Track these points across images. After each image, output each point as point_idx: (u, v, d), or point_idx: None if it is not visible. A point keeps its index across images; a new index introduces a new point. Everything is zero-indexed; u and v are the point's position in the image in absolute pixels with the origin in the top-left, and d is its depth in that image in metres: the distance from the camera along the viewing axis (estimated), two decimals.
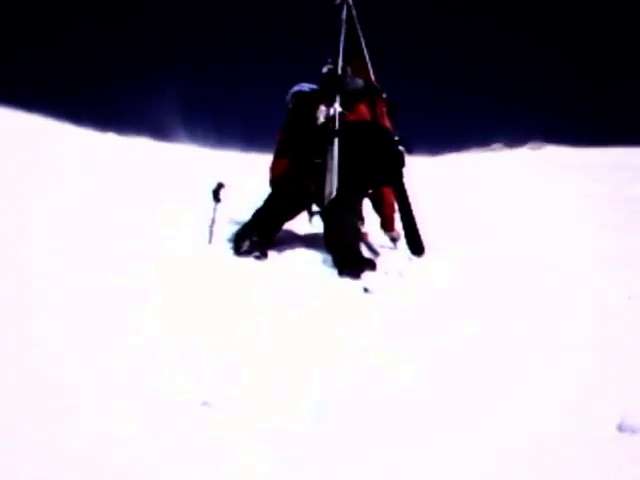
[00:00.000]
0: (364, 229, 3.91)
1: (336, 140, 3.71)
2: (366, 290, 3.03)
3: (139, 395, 1.84)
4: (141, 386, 1.89)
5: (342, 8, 4.11)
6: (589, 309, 2.85)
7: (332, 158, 3.66)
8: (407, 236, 3.85)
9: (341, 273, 3.32)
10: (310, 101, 3.90)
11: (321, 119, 3.79)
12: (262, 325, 2.46)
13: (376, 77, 4.14)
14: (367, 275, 3.24)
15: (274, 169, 4.03)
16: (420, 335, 2.47)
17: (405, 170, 3.91)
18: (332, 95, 3.87)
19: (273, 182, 4.03)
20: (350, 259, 3.39)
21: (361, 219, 3.90)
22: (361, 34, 4.16)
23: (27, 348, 2.01)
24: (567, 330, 2.56)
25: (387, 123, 4.00)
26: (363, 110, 3.91)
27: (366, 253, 3.79)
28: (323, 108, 3.81)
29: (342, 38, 4.05)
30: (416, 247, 3.83)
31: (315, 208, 3.77)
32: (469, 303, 2.91)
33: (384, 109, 3.99)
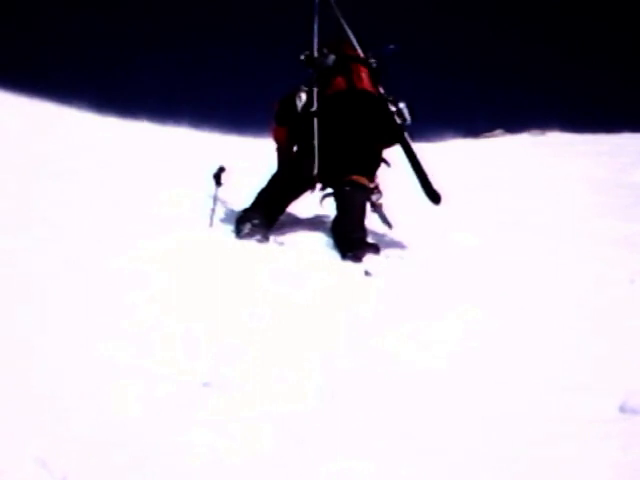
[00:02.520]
0: (380, 200, 3.86)
1: (315, 120, 3.74)
2: (367, 273, 3.05)
3: (140, 376, 1.86)
4: (142, 368, 1.92)
5: None
6: (591, 293, 2.86)
7: (313, 139, 3.69)
8: (423, 187, 3.81)
9: (344, 257, 3.34)
10: (293, 93, 3.91)
11: (300, 105, 3.80)
12: (263, 308, 2.48)
13: (366, 55, 4.12)
14: (369, 258, 3.25)
15: (276, 136, 4.10)
16: (418, 318, 2.48)
17: (408, 125, 3.92)
18: (310, 78, 3.90)
19: (280, 156, 4.07)
20: (352, 243, 3.41)
21: (376, 190, 3.86)
22: (341, 16, 4.17)
23: (28, 331, 2.03)
24: (570, 314, 2.57)
25: (368, 85, 3.97)
26: (339, 82, 3.91)
27: (375, 232, 3.79)
28: (302, 94, 3.83)
29: (315, 22, 4.07)
30: (433, 196, 3.79)
31: (327, 190, 3.76)
32: (469, 287, 2.91)
33: (363, 74, 3.96)
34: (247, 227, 3.50)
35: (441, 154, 5.61)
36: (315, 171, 3.63)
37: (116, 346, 2.03)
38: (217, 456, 1.53)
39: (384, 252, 3.46)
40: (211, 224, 3.71)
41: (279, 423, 1.69)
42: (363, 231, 3.58)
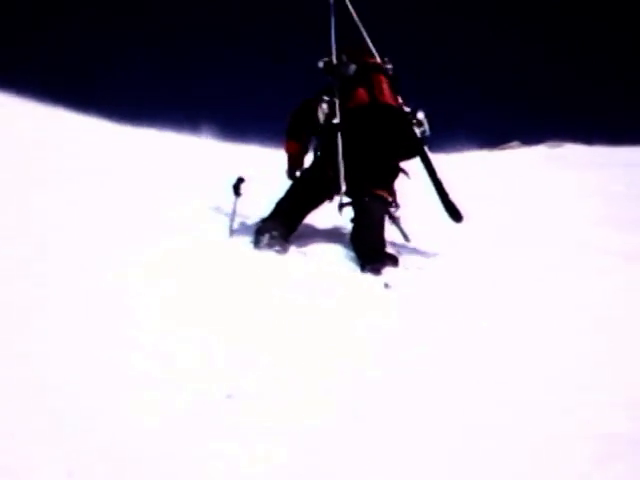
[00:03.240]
0: (397, 213, 3.88)
1: (339, 134, 3.73)
2: (386, 285, 3.03)
3: (161, 388, 1.85)
4: (163, 379, 1.91)
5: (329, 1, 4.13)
6: (606, 307, 2.85)
7: (338, 154, 3.68)
8: (444, 205, 3.81)
9: (363, 269, 3.33)
10: (312, 102, 3.92)
11: (322, 117, 3.81)
12: (282, 320, 2.47)
13: (382, 57, 4.12)
14: (388, 271, 3.25)
15: (288, 150, 4.12)
16: (437, 330, 2.48)
17: (427, 137, 3.93)
18: (331, 88, 3.89)
19: (290, 168, 4.11)
20: (372, 255, 3.41)
21: (394, 203, 3.87)
22: (359, 21, 4.17)
23: (44, 341, 2.02)
24: (588, 329, 2.57)
25: (389, 97, 3.96)
26: (361, 94, 3.90)
27: (394, 244, 3.79)
28: (324, 105, 3.83)
29: (332, 28, 4.06)
30: (454, 214, 3.79)
31: (345, 199, 3.74)
32: (487, 299, 2.91)
33: (384, 85, 3.96)
34: (266, 238, 3.48)
35: (457, 166, 5.62)
36: (344, 188, 3.63)
37: (135, 356, 2.02)
38: (239, 469, 1.53)
39: (403, 264, 3.45)
40: (230, 234, 3.72)
41: (301, 437, 1.69)
42: (382, 243, 3.57)
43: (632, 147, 9.36)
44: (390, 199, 3.85)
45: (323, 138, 3.89)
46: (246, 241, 3.60)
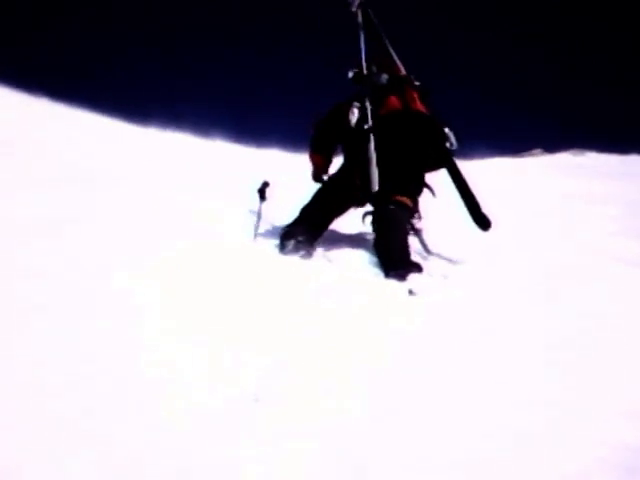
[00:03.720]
0: (419, 225, 3.90)
1: (372, 136, 3.75)
2: (411, 292, 3.04)
3: (189, 394, 1.86)
4: (190, 384, 1.91)
5: (357, 14, 4.14)
6: (615, 318, 2.82)
7: (370, 155, 3.70)
8: (471, 213, 3.79)
9: (387, 275, 3.35)
10: (343, 106, 3.94)
11: (353, 120, 3.82)
12: (307, 324, 2.48)
13: (408, 72, 4.14)
14: (412, 277, 3.27)
15: (313, 161, 4.16)
16: (462, 336, 2.49)
17: (454, 150, 3.92)
18: (362, 95, 3.91)
19: (315, 174, 4.16)
20: (396, 261, 3.42)
21: (416, 214, 3.89)
22: (384, 34, 4.20)
23: (67, 344, 2.02)
24: (597, 330, 2.58)
25: (421, 107, 3.99)
26: (394, 101, 3.93)
27: (418, 251, 3.79)
28: (355, 110, 3.84)
29: (362, 41, 4.08)
30: (482, 221, 3.77)
31: (369, 207, 3.77)
32: (511, 308, 2.91)
33: (415, 95, 3.98)
34: (291, 243, 3.52)
35: (478, 173, 5.62)
36: (376, 187, 3.64)
37: (161, 357, 2.04)
38: (267, 472, 1.56)
39: (427, 271, 3.46)
40: (255, 239, 3.74)
41: (329, 440, 1.71)
42: (406, 250, 3.58)
43: None
44: (413, 208, 3.86)
45: (352, 144, 3.90)
46: (271, 245, 3.63)
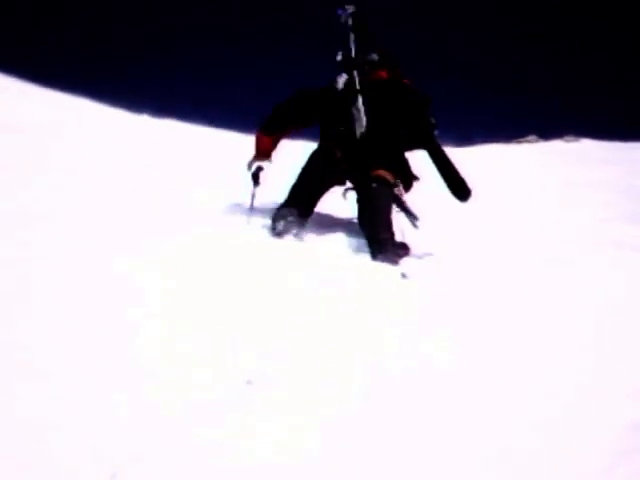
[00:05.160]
0: (404, 199, 3.81)
1: (359, 97, 3.76)
2: (404, 275, 3.06)
3: (181, 374, 1.89)
4: (181, 365, 1.94)
5: (347, 22, 4.10)
6: (614, 302, 2.88)
7: (358, 109, 3.73)
8: (447, 183, 3.74)
9: (374, 257, 3.36)
10: (310, 90, 3.98)
11: (340, 85, 3.81)
12: (301, 309, 2.49)
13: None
14: (405, 261, 3.29)
15: (259, 144, 4.00)
16: (458, 320, 2.52)
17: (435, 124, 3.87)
18: (349, 66, 3.88)
19: (254, 158, 3.97)
20: (382, 243, 3.44)
21: (398, 189, 3.81)
22: (375, 39, 4.15)
23: (67, 333, 2.02)
24: (599, 315, 2.63)
25: (410, 82, 3.97)
26: (382, 73, 3.93)
27: (403, 230, 3.74)
28: (342, 74, 3.83)
29: (351, 40, 3.97)
30: (461, 191, 3.73)
31: (349, 184, 3.78)
32: (506, 290, 2.95)
33: (405, 81, 3.97)
34: (282, 224, 3.56)
35: (471, 159, 5.61)
36: (364, 129, 3.68)
37: (156, 341, 2.06)
38: (260, 457, 1.57)
39: (415, 252, 3.48)
40: (248, 222, 3.76)
41: (322, 424, 1.73)
42: (390, 229, 3.58)
43: None
44: (394, 183, 3.79)
45: (332, 113, 3.86)
46: (264, 229, 3.65)
